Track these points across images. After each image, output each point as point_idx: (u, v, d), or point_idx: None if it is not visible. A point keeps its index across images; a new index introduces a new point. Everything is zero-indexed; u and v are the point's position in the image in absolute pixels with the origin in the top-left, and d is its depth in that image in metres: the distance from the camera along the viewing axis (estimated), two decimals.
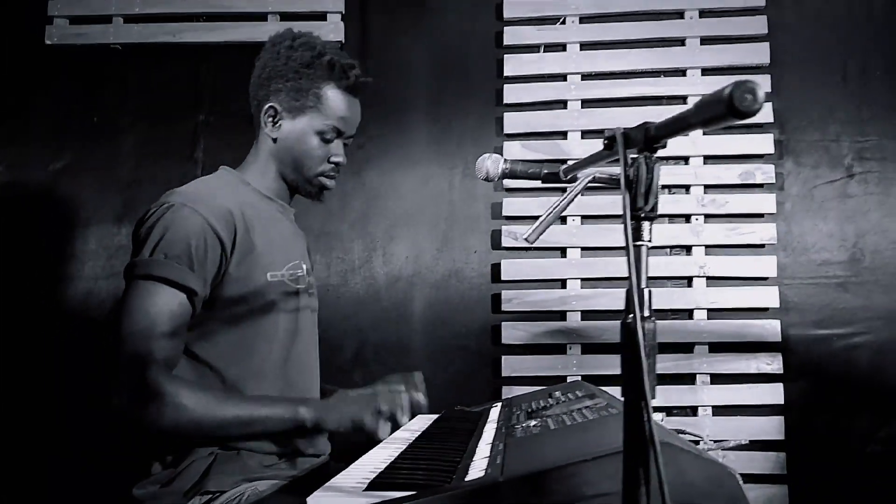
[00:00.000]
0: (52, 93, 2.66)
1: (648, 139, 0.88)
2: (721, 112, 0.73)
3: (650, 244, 0.92)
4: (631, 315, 0.87)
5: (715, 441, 1.57)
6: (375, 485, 1.13)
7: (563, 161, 2.58)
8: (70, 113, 2.65)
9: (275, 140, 1.74)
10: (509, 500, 1.01)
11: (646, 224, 0.91)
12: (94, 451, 2.40)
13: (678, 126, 0.83)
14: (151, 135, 2.64)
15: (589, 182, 0.98)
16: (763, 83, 2.57)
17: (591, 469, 1.00)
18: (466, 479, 1.10)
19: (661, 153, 2.63)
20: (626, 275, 2.58)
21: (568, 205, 0.98)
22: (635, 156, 0.91)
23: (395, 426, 1.59)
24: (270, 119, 1.73)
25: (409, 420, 1.81)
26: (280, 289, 1.65)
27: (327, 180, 1.77)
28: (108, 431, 1.53)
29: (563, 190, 1.18)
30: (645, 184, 0.89)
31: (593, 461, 1.00)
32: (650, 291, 0.91)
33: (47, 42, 2.65)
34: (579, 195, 0.98)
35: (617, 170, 0.91)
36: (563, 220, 2.53)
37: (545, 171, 1.23)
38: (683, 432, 1.55)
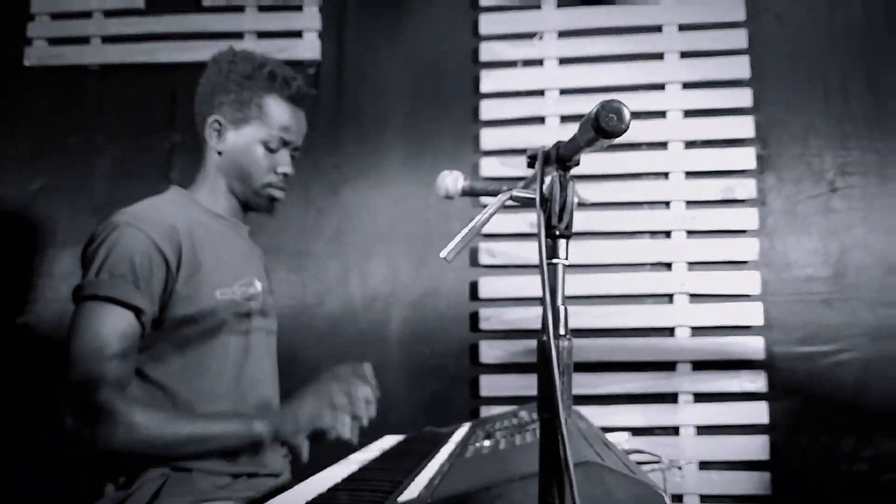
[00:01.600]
0: (30, 114, 2.67)
1: (559, 158, 0.87)
2: (590, 134, 0.72)
3: (566, 262, 0.89)
4: (545, 335, 0.84)
5: (670, 460, 1.53)
6: None
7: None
8: (47, 133, 2.66)
9: (220, 153, 1.75)
10: None
11: (562, 242, 0.89)
12: (48, 472, 2.37)
13: (573, 147, 0.83)
14: (127, 155, 2.64)
15: (506, 201, 0.96)
16: (744, 97, 2.55)
17: (516, 490, 0.97)
18: (399, 499, 1.07)
19: (641, 168, 2.60)
20: (609, 292, 2.55)
21: (485, 223, 0.96)
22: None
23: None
24: (216, 132, 1.74)
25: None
26: (231, 307, 1.64)
27: (276, 191, 1.77)
28: (64, 452, 1.50)
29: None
30: (559, 202, 0.87)
31: (519, 482, 0.98)
32: (566, 309, 0.88)
33: (25, 63, 2.66)
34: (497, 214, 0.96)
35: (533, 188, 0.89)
36: None
37: (505, 189, 1.21)
38: (641, 451, 1.52)
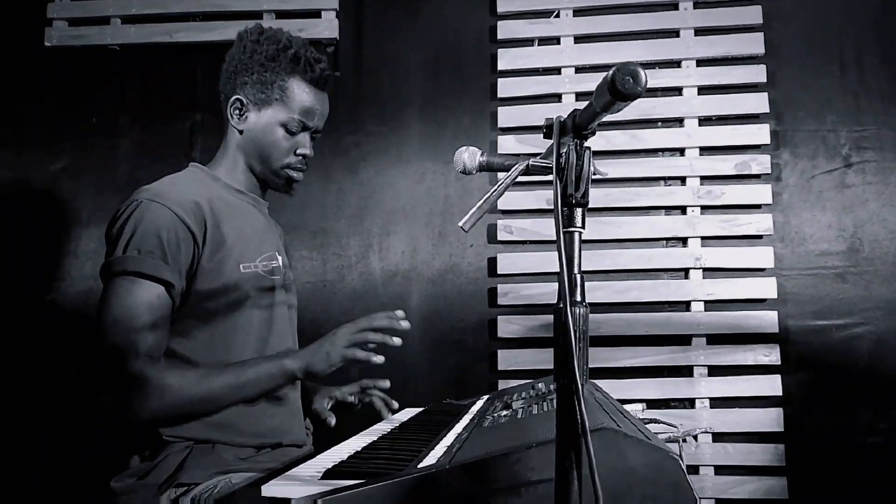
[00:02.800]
0: (52, 94, 2.72)
1: (575, 127, 0.89)
2: (607, 97, 0.73)
3: (582, 230, 0.91)
4: (562, 301, 0.87)
5: (685, 431, 1.56)
6: (332, 473, 1.15)
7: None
8: (69, 114, 2.70)
9: (241, 132, 1.76)
10: (454, 487, 1.02)
11: (578, 211, 0.91)
12: (75, 444, 2.45)
13: (589, 113, 0.84)
14: (149, 135, 2.68)
15: (523, 170, 0.98)
16: (758, 73, 2.56)
17: (535, 455, 1.00)
18: (418, 466, 1.11)
19: (657, 144, 2.60)
20: (625, 267, 2.58)
21: (502, 193, 0.98)
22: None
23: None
24: (237, 111, 1.75)
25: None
26: (254, 281, 1.67)
27: (294, 172, 1.78)
28: (93, 425, 1.55)
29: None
30: (575, 171, 0.90)
31: (537, 447, 1.01)
32: (582, 277, 0.90)
33: (46, 44, 2.70)
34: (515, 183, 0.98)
35: (550, 158, 0.92)
36: None
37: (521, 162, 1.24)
38: (657, 422, 1.55)
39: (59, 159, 2.69)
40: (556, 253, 0.86)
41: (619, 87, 0.71)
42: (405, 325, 1.58)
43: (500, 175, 2.53)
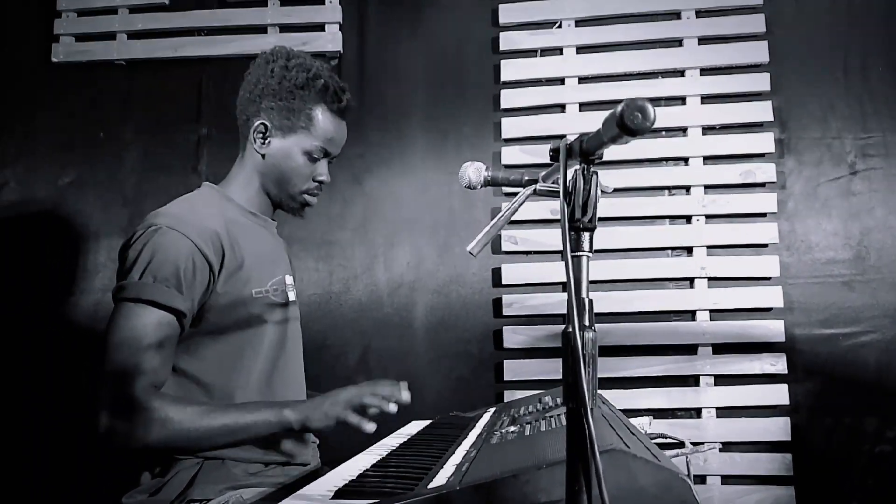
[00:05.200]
0: (59, 109, 2.73)
1: (583, 152, 0.90)
2: (615, 132, 0.74)
3: (590, 254, 0.92)
4: (570, 326, 0.87)
5: (693, 444, 1.56)
6: (343, 493, 1.16)
7: None
8: (76, 129, 2.72)
9: (263, 156, 1.76)
10: None
11: (585, 235, 0.91)
12: (86, 460, 2.46)
13: (597, 141, 0.85)
14: (155, 148, 2.70)
15: (530, 195, 0.99)
16: (762, 82, 2.56)
17: (544, 476, 1.01)
18: (429, 486, 1.12)
19: (661, 154, 2.61)
20: (630, 277, 2.58)
21: (509, 218, 0.99)
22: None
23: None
24: (260, 136, 1.75)
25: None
26: (265, 303, 1.68)
27: (310, 197, 1.81)
28: (99, 443, 1.55)
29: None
30: (582, 195, 0.90)
31: (546, 468, 1.01)
32: (591, 301, 0.91)
33: (53, 60, 2.72)
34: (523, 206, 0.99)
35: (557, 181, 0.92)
36: None
37: (526, 178, 1.24)
38: (665, 436, 1.55)
39: (66, 173, 2.70)
40: (562, 264, 0.86)
41: (628, 122, 0.72)
42: (405, 396, 1.60)
43: (506, 189, 2.54)
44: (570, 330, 0.88)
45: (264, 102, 1.74)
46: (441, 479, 1.15)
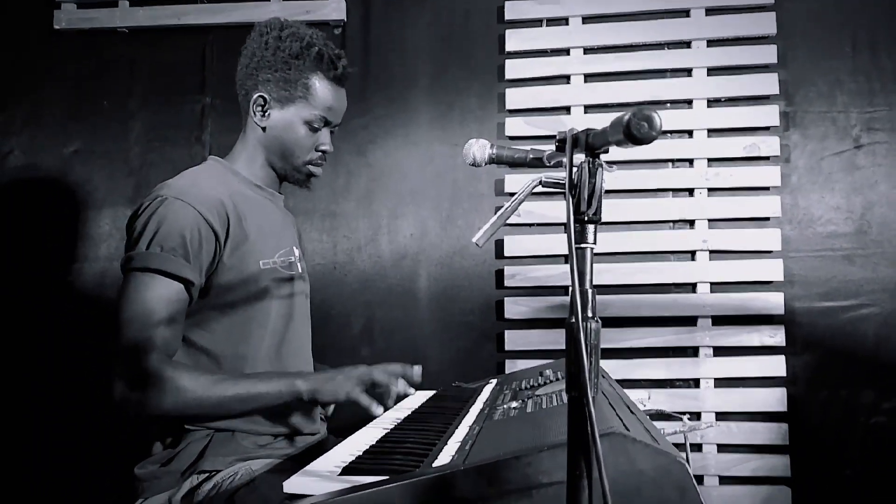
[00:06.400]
0: (63, 77, 2.72)
1: (588, 145, 0.91)
2: (620, 137, 0.75)
3: (594, 246, 0.93)
4: (574, 317, 0.89)
5: (687, 420, 1.59)
6: (350, 469, 1.19)
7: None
8: (80, 97, 2.71)
9: (264, 129, 1.77)
10: (468, 488, 1.05)
11: (590, 227, 0.93)
12: (100, 431, 2.50)
13: (602, 139, 0.86)
14: (159, 118, 2.69)
15: (535, 187, 1.00)
16: (769, 54, 2.54)
17: (546, 459, 1.04)
18: (434, 464, 1.15)
19: (665, 126, 2.63)
20: (632, 249, 2.59)
21: (515, 209, 1.00)
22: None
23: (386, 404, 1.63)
24: (260, 108, 1.76)
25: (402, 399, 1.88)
26: (272, 276, 1.70)
27: (314, 168, 1.81)
28: (113, 413, 1.59)
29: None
30: (588, 188, 0.91)
31: (548, 451, 1.04)
32: (594, 292, 0.92)
33: (56, 27, 2.70)
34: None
35: (563, 174, 0.93)
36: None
37: (531, 157, 1.25)
38: (662, 413, 1.58)
39: (71, 142, 2.70)
40: (563, 236, 0.88)
41: (634, 131, 0.73)
42: (417, 372, 1.66)
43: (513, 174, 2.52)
44: (574, 321, 0.90)
45: (261, 75, 1.75)
46: (445, 456, 1.18)
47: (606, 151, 0.92)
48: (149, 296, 1.54)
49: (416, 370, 1.65)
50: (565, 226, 0.91)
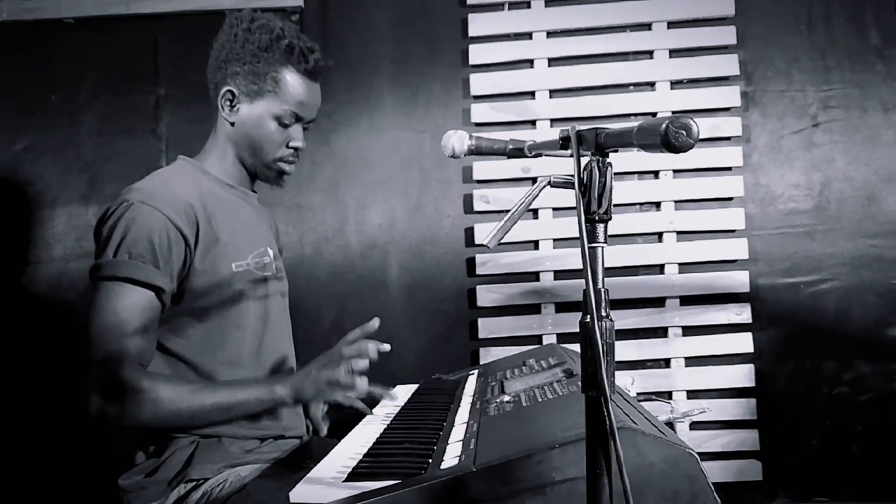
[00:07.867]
0: (9, 70, 2.60)
1: (599, 145, 0.90)
2: (656, 143, 0.74)
3: (605, 245, 0.93)
4: (588, 316, 0.89)
5: (683, 413, 1.61)
6: (354, 475, 1.17)
7: (532, 122, 2.56)
8: (27, 92, 2.59)
9: (232, 124, 1.72)
10: (482, 489, 1.05)
11: (600, 226, 0.92)
12: (77, 442, 2.42)
13: (622, 141, 0.85)
14: (112, 110, 2.59)
15: (544, 187, 0.99)
16: (729, 35, 2.57)
17: (558, 456, 1.04)
18: (441, 466, 1.14)
19: (629, 110, 2.61)
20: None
21: (525, 209, 0.99)
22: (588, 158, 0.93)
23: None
24: (228, 103, 1.70)
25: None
26: (247, 278, 1.66)
27: (286, 165, 1.76)
28: (89, 424, 1.53)
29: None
30: (598, 187, 0.91)
31: (560, 448, 1.04)
32: (606, 291, 0.92)
33: None
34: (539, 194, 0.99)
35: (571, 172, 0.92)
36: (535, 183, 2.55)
37: (510, 147, 1.24)
38: (651, 397, 1.60)
39: (20, 139, 2.58)
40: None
41: (672, 140, 0.72)
42: (374, 324, 1.60)
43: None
44: (589, 321, 0.89)
45: (230, 68, 1.69)
46: (451, 457, 1.17)
47: (616, 151, 0.91)
48: (119, 305, 1.49)
49: (374, 321, 1.60)
50: (577, 225, 0.90)
